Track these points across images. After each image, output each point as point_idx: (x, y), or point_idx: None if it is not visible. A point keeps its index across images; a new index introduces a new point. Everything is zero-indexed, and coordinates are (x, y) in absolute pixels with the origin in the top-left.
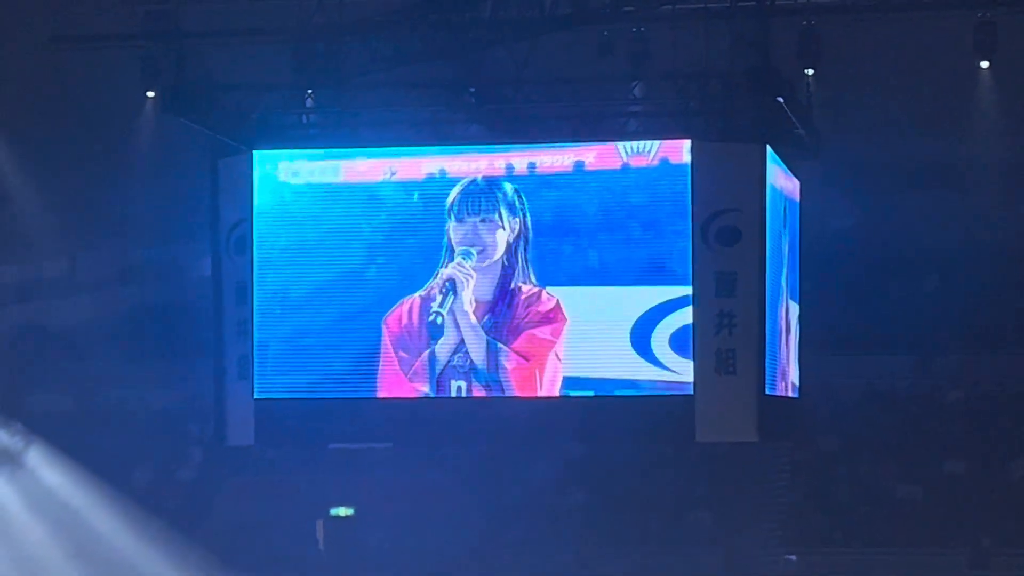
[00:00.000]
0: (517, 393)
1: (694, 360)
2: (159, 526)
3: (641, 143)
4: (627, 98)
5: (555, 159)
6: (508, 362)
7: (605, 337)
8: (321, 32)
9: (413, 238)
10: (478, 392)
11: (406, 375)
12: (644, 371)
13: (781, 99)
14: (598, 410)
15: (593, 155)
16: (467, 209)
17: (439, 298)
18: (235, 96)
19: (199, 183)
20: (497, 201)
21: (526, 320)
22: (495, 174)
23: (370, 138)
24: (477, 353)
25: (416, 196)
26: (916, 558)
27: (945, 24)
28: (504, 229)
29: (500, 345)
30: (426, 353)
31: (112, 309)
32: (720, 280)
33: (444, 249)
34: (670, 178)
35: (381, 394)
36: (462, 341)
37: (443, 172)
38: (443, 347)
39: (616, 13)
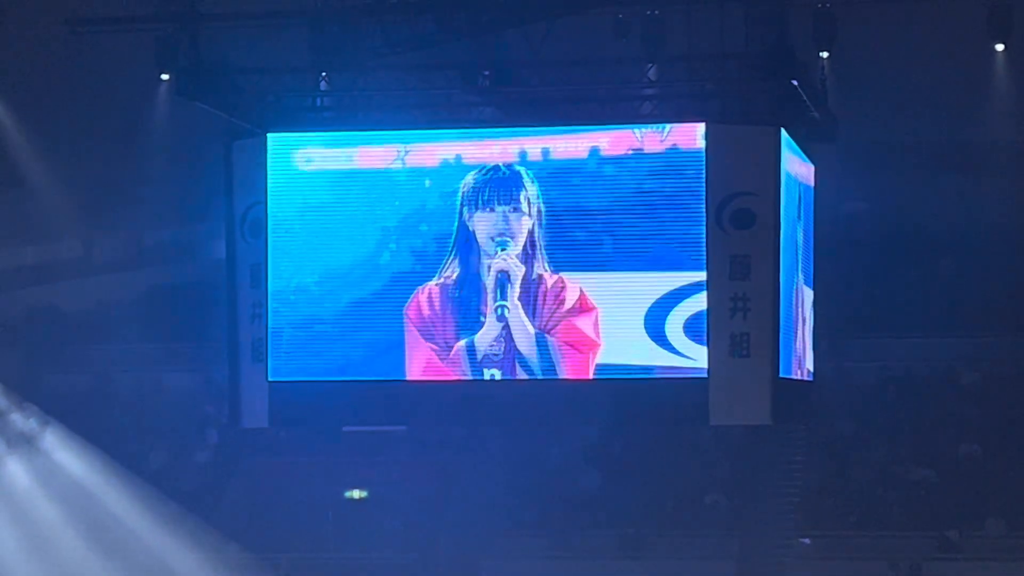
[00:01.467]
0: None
1: (708, 344)
2: (175, 507)
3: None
4: (642, 81)
5: (569, 144)
6: (560, 353)
7: (619, 324)
8: (336, 15)
9: (427, 224)
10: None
11: (443, 364)
12: (659, 357)
13: (796, 82)
14: (613, 394)
15: (607, 140)
16: (497, 198)
17: (496, 291)
18: (250, 79)
19: (214, 166)
20: (523, 188)
21: (561, 310)
22: (510, 160)
23: (384, 121)
24: (524, 344)
25: (428, 183)
26: (931, 541)
27: (959, 7)
28: (528, 216)
29: (548, 337)
30: (462, 343)
31: (127, 291)
32: (734, 263)
33: (457, 237)
34: (683, 164)
35: (419, 377)
36: (505, 331)
37: (458, 158)
38: (484, 337)
39: None
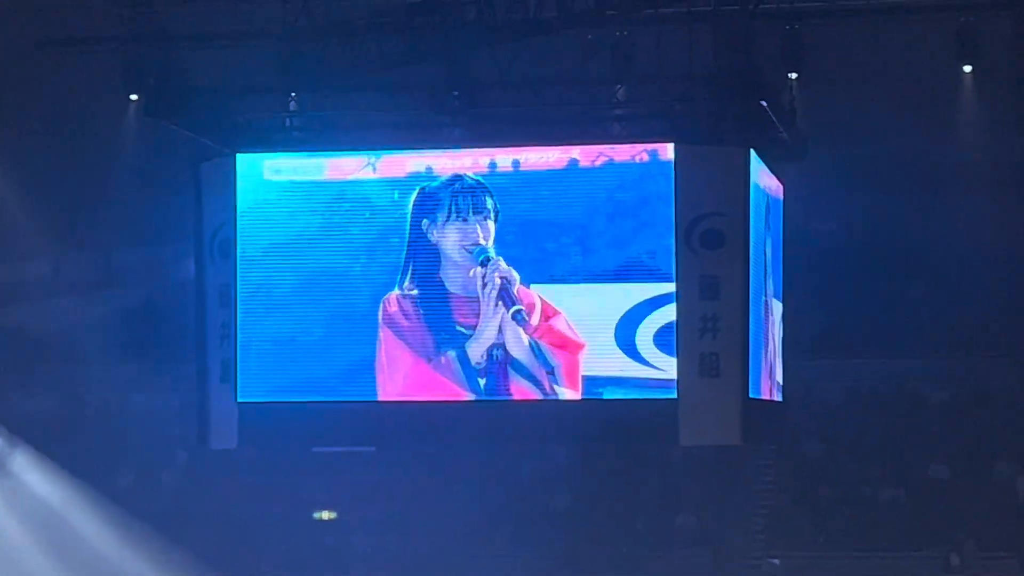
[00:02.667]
0: (567, 385)
1: (677, 363)
2: (143, 529)
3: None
4: (611, 101)
5: (540, 156)
6: (554, 356)
7: (589, 335)
8: (305, 35)
9: (397, 236)
10: (519, 387)
11: (432, 376)
12: (629, 368)
13: (764, 103)
14: (583, 413)
15: (578, 151)
16: (471, 208)
17: (502, 299)
18: (218, 99)
19: (182, 186)
20: (491, 198)
21: (534, 316)
22: (480, 171)
23: (354, 141)
24: (519, 350)
25: (397, 195)
26: (899, 561)
27: (927, 28)
28: (493, 225)
29: (540, 341)
30: (452, 354)
31: (95, 312)
32: (704, 284)
33: (418, 248)
34: (656, 174)
35: (392, 397)
36: (499, 338)
37: (429, 169)
38: (477, 346)
39: (600, 16)
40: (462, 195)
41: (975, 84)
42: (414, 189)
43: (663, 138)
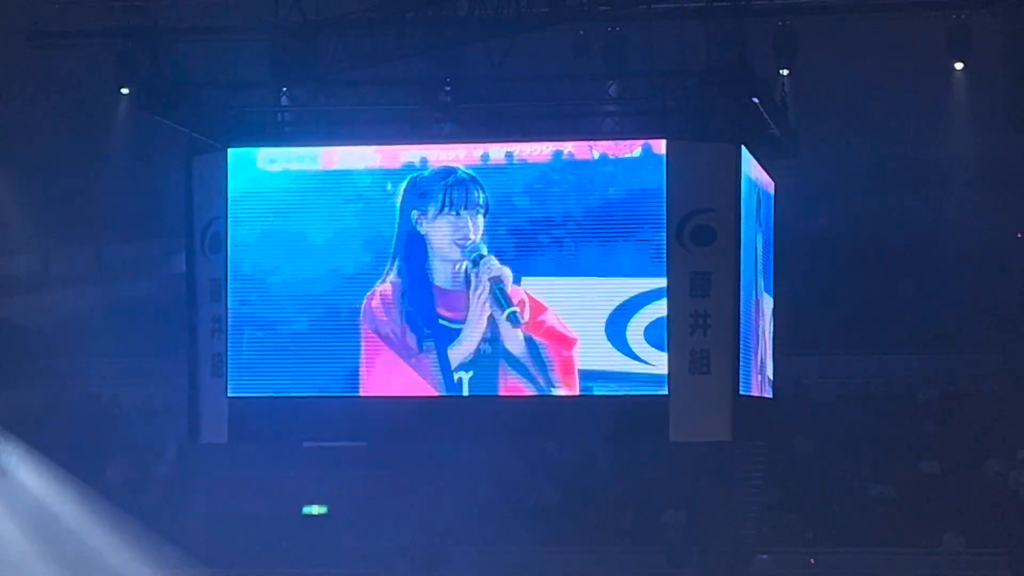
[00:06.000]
0: (563, 381)
1: (668, 360)
2: (133, 523)
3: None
4: (603, 97)
5: (533, 148)
6: (549, 351)
7: (580, 329)
8: (297, 29)
9: (387, 227)
10: (512, 383)
11: (410, 373)
12: (619, 363)
13: (756, 99)
14: (573, 409)
15: (572, 145)
16: (464, 202)
17: (498, 298)
18: (210, 93)
19: (174, 180)
20: (483, 192)
21: (524, 311)
22: (473, 163)
23: (345, 135)
24: (515, 346)
25: (390, 185)
26: (889, 557)
27: (919, 25)
28: (483, 220)
29: (535, 337)
30: (433, 352)
31: (85, 305)
32: (695, 280)
33: (406, 241)
34: (648, 168)
35: (374, 393)
36: (491, 334)
37: (424, 161)
38: (463, 344)
39: (592, 12)
40: (455, 188)
41: (966, 81)
42: (405, 179)
43: (655, 134)
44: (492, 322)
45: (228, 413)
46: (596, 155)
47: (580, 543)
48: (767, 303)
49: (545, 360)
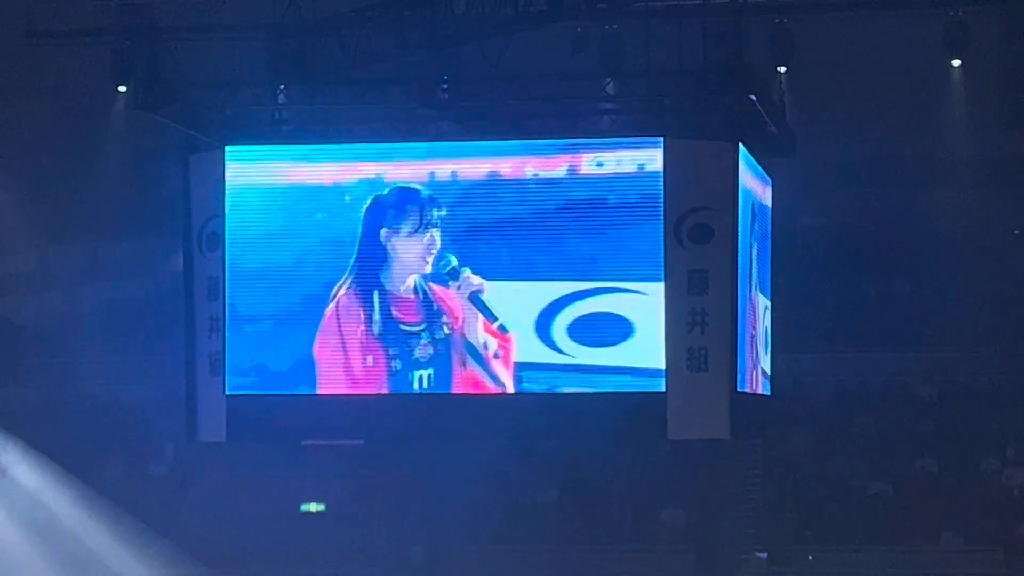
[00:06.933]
0: (505, 368)
1: (666, 357)
2: (131, 521)
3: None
4: (600, 95)
5: (477, 167)
6: (499, 350)
7: (516, 326)
8: (294, 28)
9: (349, 239)
10: (471, 373)
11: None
12: (543, 355)
13: (754, 97)
14: (571, 407)
15: (509, 164)
16: (423, 218)
17: (480, 310)
18: (207, 92)
19: (171, 178)
20: (438, 209)
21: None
22: (422, 180)
23: (342, 134)
24: (475, 344)
25: (348, 198)
26: (887, 555)
27: (917, 22)
28: (439, 232)
29: (489, 336)
30: (396, 359)
31: (83, 304)
32: (692, 278)
33: (368, 253)
34: (575, 184)
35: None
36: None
37: (379, 176)
38: (423, 352)
39: (590, 10)
40: (415, 205)
41: (964, 79)
42: (369, 196)
43: (652, 133)
44: (472, 329)
45: (226, 411)
46: (529, 174)
47: (578, 542)
48: (760, 302)
49: (498, 355)
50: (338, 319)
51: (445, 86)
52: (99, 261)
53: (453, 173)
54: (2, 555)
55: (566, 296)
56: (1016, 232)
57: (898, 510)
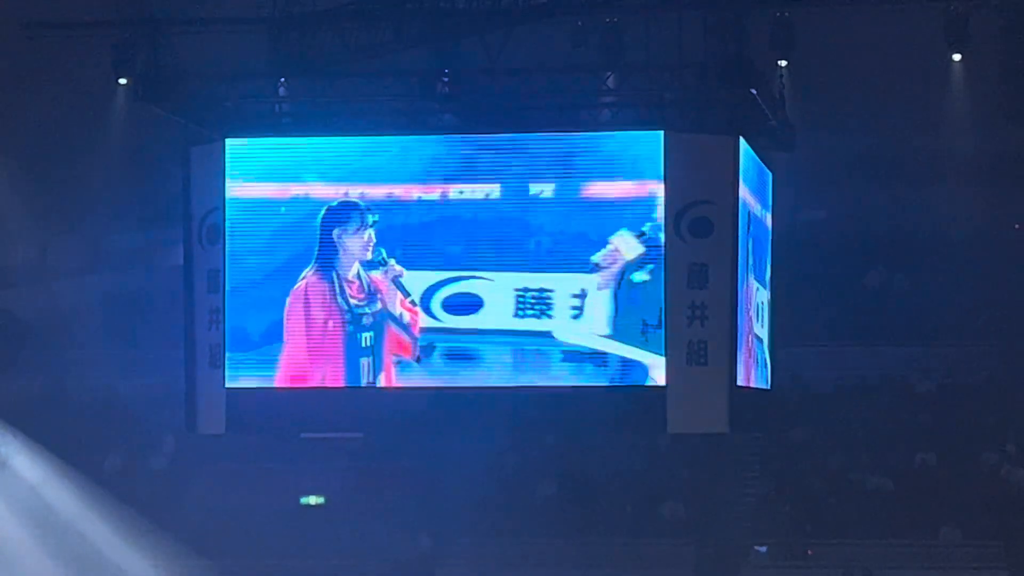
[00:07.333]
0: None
1: (665, 351)
2: (130, 513)
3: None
4: (600, 89)
5: (423, 190)
6: (409, 322)
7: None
8: (295, 21)
9: (310, 239)
10: (397, 338)
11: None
12: (429, 322)
13: (754, 91)
14: (570, 400)
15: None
16: (364, 221)
17: (399, 290)
18: (208, 84)
19: (171, 171)
20: (371, 215)
21: None
22: (361, 197)
23: (343, 127)
24: (396, 309)
25: (312, 208)
26: (886, 549)
27: (917, 16)
28: (374, 232)
29: (408, 313)
30: (346, 319)
31: (83, 296)
32: (692, 272)
33: (325, 247)
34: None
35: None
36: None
37: (344, 195)
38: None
39: (590, 3)
40: (356, 211)
41: (964, 73)
42: (325, 206)
43: (652, 126)
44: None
45: (226, 404)
46: (439, 195)
47: (577, 535)
48: (755, 289)
49: (410, 324)
50: (306, 294)
51: (445, 79)
52: (100, 253)
53: (387, 194)
54: (2, 547)
55: (443, 280)
56: (1017, 226)
57: (897, 504)
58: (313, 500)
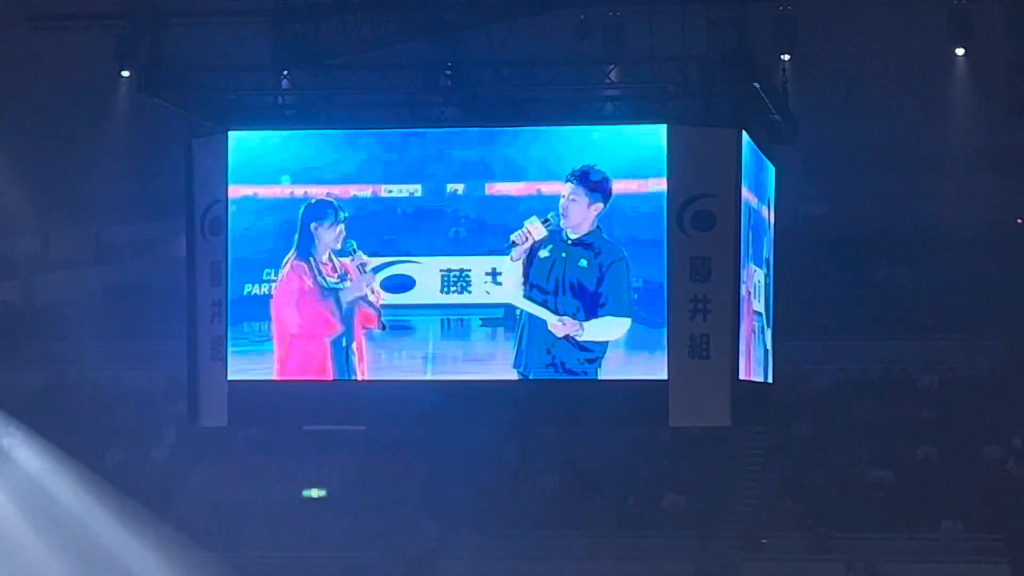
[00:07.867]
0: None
1: (667, 344)
2: (132, 505)
3: None
4: (603, 82)
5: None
6: (374, 300)
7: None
8: (298, 13)
9: (292, 232)
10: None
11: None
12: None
13: (757, 84)
14: (572, 394)
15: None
16: (336, 216)
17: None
18: (211, 76)
19: (174, 163)
20: (342, 211)
21: None
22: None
23: (345, 120)
24: (361, 291)
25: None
26: (888, 542)
27: (920, 10)
28: (344, 226)
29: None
30: (324, 295)
31: (85, 288)
32: (695, 265)
33: (303, 238)
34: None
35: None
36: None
37: (306, 195)
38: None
39: None
40: (331, 208)
41: (967, 67)
42: (304, 203)
43: (655, 119)
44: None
45: (228, 396)
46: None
47: (579, 528)
48: (752, 271)
49: (374, 303)
50: (288, 276)
51: (448, 72)
52: (102, 245)
53: (352, 195)
54: (4, 538)
55: (388, 263)
56: (1019, 220)
57: (899, 498)
58: (315, 493)
